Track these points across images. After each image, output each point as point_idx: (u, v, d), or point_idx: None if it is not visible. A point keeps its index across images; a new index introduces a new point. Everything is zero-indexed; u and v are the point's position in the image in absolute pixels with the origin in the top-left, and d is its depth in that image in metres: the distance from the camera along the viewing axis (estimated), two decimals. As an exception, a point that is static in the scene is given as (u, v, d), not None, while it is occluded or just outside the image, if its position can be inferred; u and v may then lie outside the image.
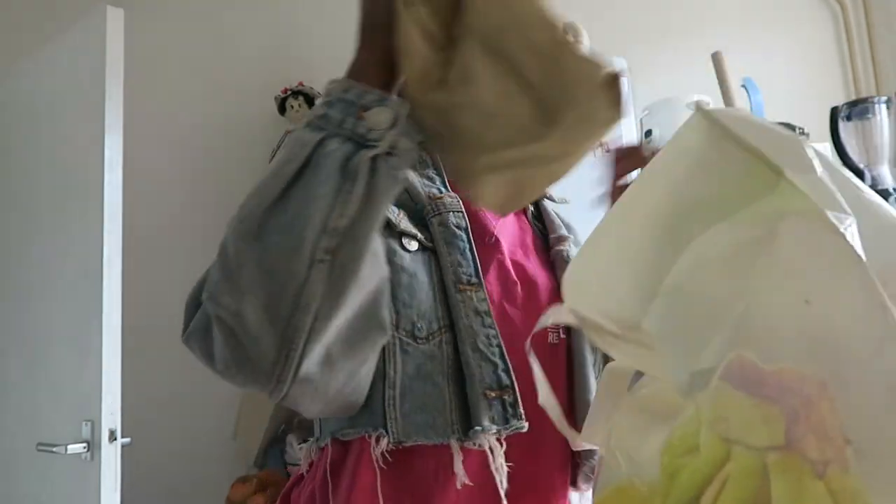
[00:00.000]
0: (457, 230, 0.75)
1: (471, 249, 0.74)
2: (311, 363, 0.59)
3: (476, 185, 0.64)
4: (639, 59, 2.20)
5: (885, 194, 2.11)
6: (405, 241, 0.73)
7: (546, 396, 0.56)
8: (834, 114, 2.18)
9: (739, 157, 0.35)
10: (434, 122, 0.64)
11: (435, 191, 0.77)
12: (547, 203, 0.88)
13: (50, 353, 1.73)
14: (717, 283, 0.34)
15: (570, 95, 0.57)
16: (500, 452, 0.69)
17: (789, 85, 2.56)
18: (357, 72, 0.64)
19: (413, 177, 0.78)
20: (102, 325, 1.55)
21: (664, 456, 0.33)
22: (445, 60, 0.62)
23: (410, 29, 0.60)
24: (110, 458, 1.52)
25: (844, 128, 2.18)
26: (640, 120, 2.23)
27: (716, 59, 2.59)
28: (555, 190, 0.93)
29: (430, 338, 0.71)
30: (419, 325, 0.71)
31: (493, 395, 0.69)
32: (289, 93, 2.26)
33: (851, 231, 0.31)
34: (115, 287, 1.59)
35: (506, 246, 0.79)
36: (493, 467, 0.68)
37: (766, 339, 0.31)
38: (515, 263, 0.79)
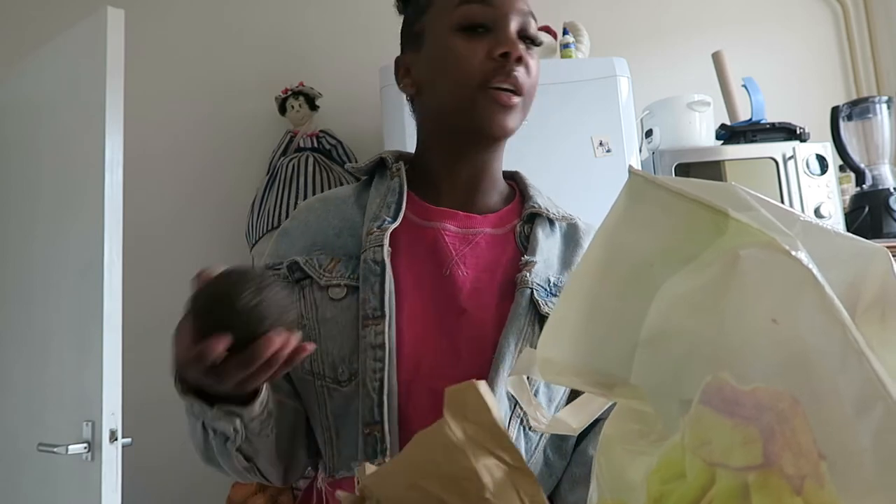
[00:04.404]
0: (373, 265, 0.75)
1: (381, 283, 0.74)
2: None
3: None
4: (639, 59, 2.19)
5: (885, 194, 2.11)
6: (332, 291, 0.77)
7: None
8: (835, 113, 2.17)
9: (682, 208, 0.37)
10: None
11: (376, 225, 0.78)
12: (542, 228, 0.83)
13: (50, 354, 1.74)
14: (691, 317, 0.35)
15: None
16: None
17: (789, 85, 2.55)
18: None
19: (372, 209, 0.80)
20: (103, 325, 1.55)
21: (650, 482, 0.34)
22: None
23: None
24: (111, 459, 1.52)
25: (845, 127, 2.17)
26: (641, 120, 2.22)
27: (716, 58, 2.58)
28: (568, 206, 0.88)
29: (352, 378, 0.75)
30: (341, 370, 0.75)
31: (367, 430, 0.73)
32: (289, 93, 2.26)
33: (804, 255, 0.32)
34: (115, 287, 1.59)
35: (468, 273, 0.79)
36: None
37: (739, 359, 0.32)
38: (474, 291, 0.78)
